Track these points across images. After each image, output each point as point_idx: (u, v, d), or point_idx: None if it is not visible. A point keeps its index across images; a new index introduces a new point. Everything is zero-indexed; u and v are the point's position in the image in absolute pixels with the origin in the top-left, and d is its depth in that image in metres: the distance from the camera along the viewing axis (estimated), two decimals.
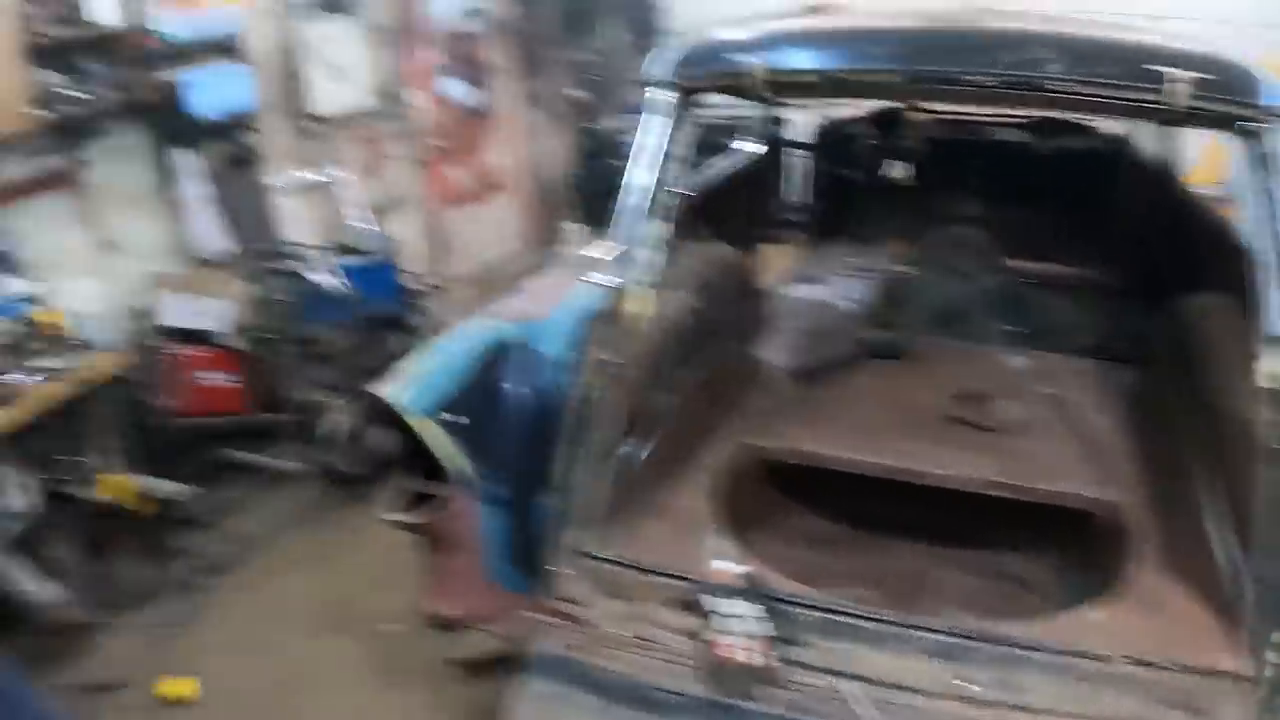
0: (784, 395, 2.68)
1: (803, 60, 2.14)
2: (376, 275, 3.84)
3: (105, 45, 3.52)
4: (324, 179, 4.18)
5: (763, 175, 3.72)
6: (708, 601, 1.75)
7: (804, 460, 2.33)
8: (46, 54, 3.31)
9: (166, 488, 3.23)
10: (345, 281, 3.68)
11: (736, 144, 3.60)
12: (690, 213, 2.49)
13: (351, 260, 3.81)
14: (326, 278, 3.65)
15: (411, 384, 2.13)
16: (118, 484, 3.08)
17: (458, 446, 2.11)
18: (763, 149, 3.64)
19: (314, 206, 4.39)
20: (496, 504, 2.18)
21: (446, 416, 2.11)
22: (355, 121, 4.82)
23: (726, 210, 3.04)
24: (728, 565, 1.79)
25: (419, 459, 2.12)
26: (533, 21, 6.05)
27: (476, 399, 2.18)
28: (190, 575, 3.18)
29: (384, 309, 3.83)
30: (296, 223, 4.29)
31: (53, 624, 2.86)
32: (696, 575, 1.80)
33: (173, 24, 3.64)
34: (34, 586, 2.78)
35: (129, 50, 3.55)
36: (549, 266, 3.37)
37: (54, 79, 3.34)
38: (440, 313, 3.95)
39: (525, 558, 2.16)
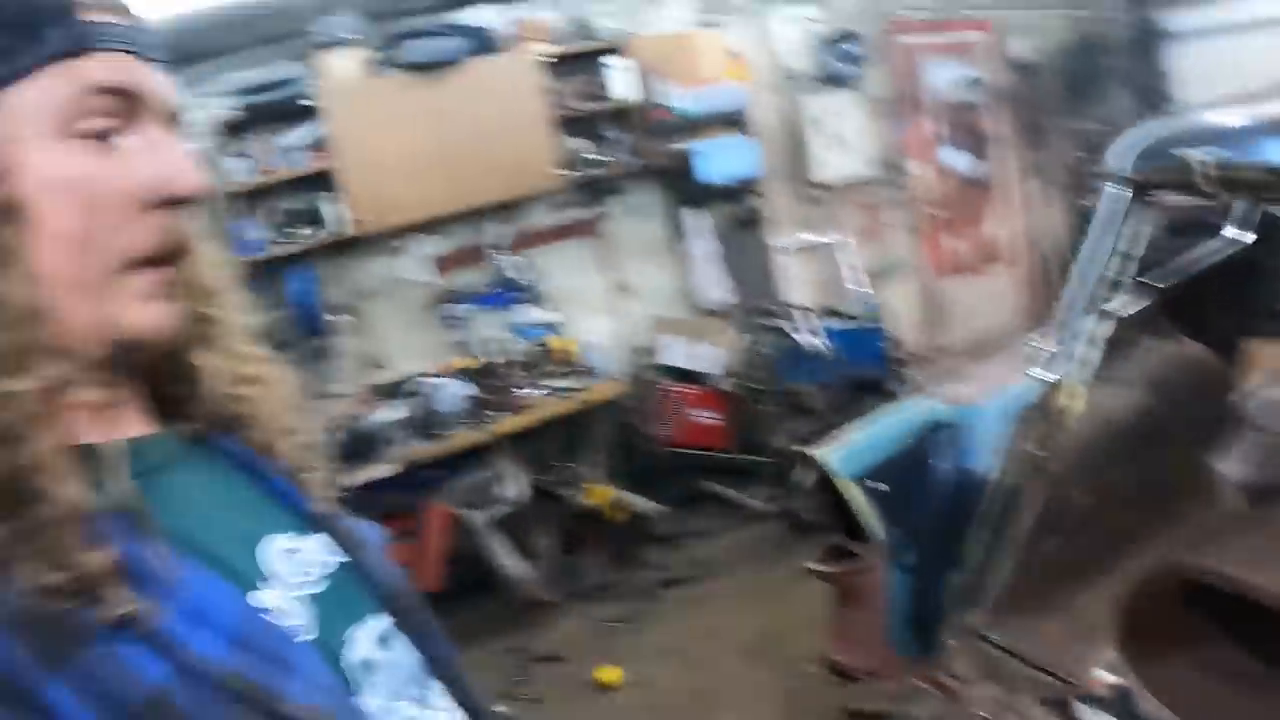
0: (1229, 512, 2.74)
1: (1258, 155, 2.26)
2: (863, 339, 4.58)
3: (624, 117, 4.90)
4: (822, 243, 5.13)
5: (1251, 264, 3.70)
6: (1078, 708, 2.06)
7: (1234, 588, 2.45)
8: (574, 124, 4.78)
9: (641, 504, 4.31)
10: (828, 343, 4.45)
11: (1224, 231, 3.67)
12: (1154, 306, 2.76)
13: (839, 323, 4.60)
14: (811, 338, 4.47)
15: (845, 448, 2.70)
16: (599, 492, 4.23)
17: (877, 511, 2.60)
18: (1251, 236, 3.64)
19: (811, 268, 5.35)
20: (905, 570, 2.63)
21: (869, 483, 2.64)
22: (855, 189, 5.68)
23: (1200, 303, 3.16)
24: (1109, 677, 2.08)
25: (845, 517, 2.67)
26: (1034, 91, 6.46)
27: (902, 470, 2.66)
28: (645, 583, 4.15)
29: (866, 372, 4.51)
30: (793, 283, 5.27)
31: (521, 598, 4.04)
32: (1075, 679, 2.11)
33: (683, 99, 4.80)
34: (512, 563, 4.02)
35: (644, 121, 4.85)
36: (1016, 347, 3.81)
37: (580, 145, 4.77)
38: (925, 381, 4.56)
39: (922, 625, 2.58)
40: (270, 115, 4.58)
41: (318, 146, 4.57)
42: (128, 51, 0.70)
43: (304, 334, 4.76)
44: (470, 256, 5.04)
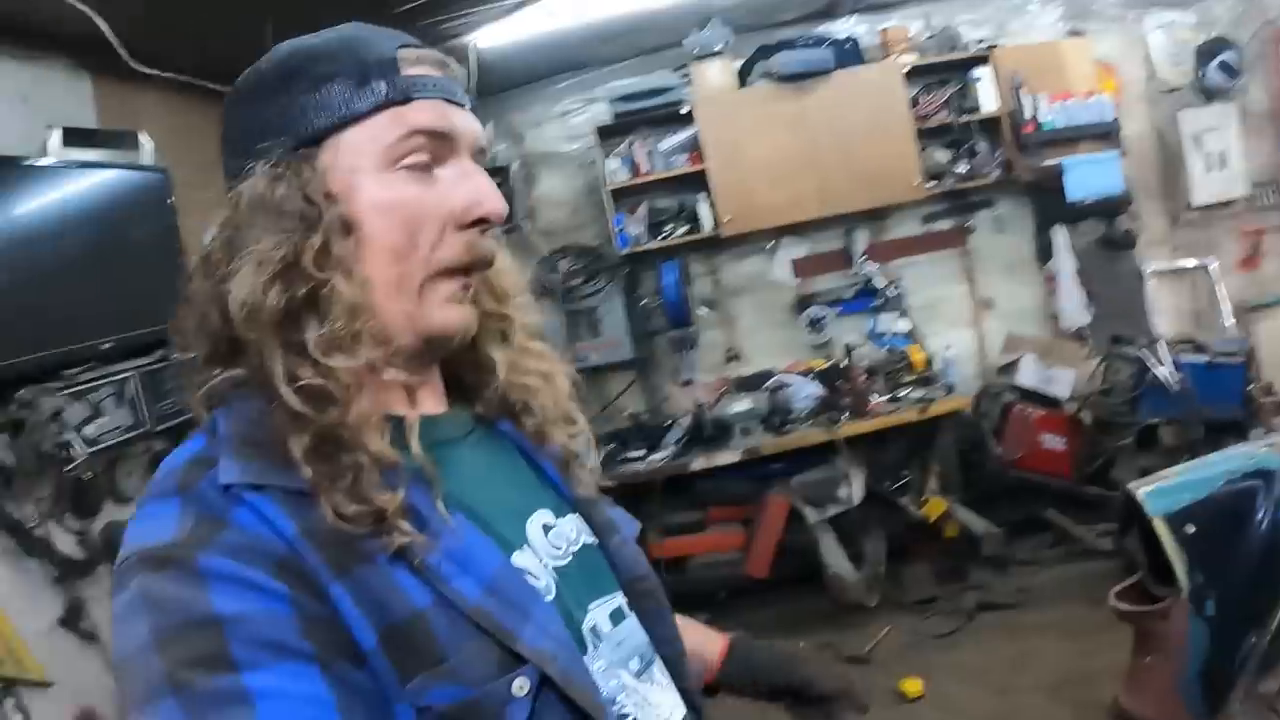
0: None
1: None
2: (1224, 376, 4.69)
3: (990, 129, 5.31)
4: (1194, 269, 5.25)
5: None
6: None
7: None
8: (940, 135, 5.32)
9: (975, 522, 4.81)
10: (1184, 377, 4.60)
11: None
12: None
13: (1201, 356, 4.74)
14: (1166, 371, 4.63)
15: (1160, 484, 3.07)
16: (934, 505, 4.78)
17: (1184, 554, 2.94)
18: None
19: (1179, 296, 5.48)
20: (1205, 621, 2.93)
21: (1180, 523, 2.95)
22: (1234, 211, 5.62)
23: None
24: None
25: (1156, 557, 3.01)
26: None
27: (1216, 515, 2.96)
28: (964, 602, 4.63)
29: (1222, 412, 4.63)
30: (1159, 310, 5.42)
31: (842, 598, 4.72)
32: None
33: (1051, 111, 5.10)
34: (839, 563, 4.72)
35: (1011, 134, 5.20)
36: None
37: (946, 156, 5.28)
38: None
39: (1215, 683, 2.89)
40: (647, 120, 5.64)
41: (691, 150, 5.56)
42: (443, 99, 0.97)
43: (671, 324, 5.85)
44: (833, 262, 5.82)
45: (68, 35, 3.11)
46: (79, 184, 3.41)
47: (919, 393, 5.03)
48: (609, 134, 5.76)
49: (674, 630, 1.11)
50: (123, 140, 3.74)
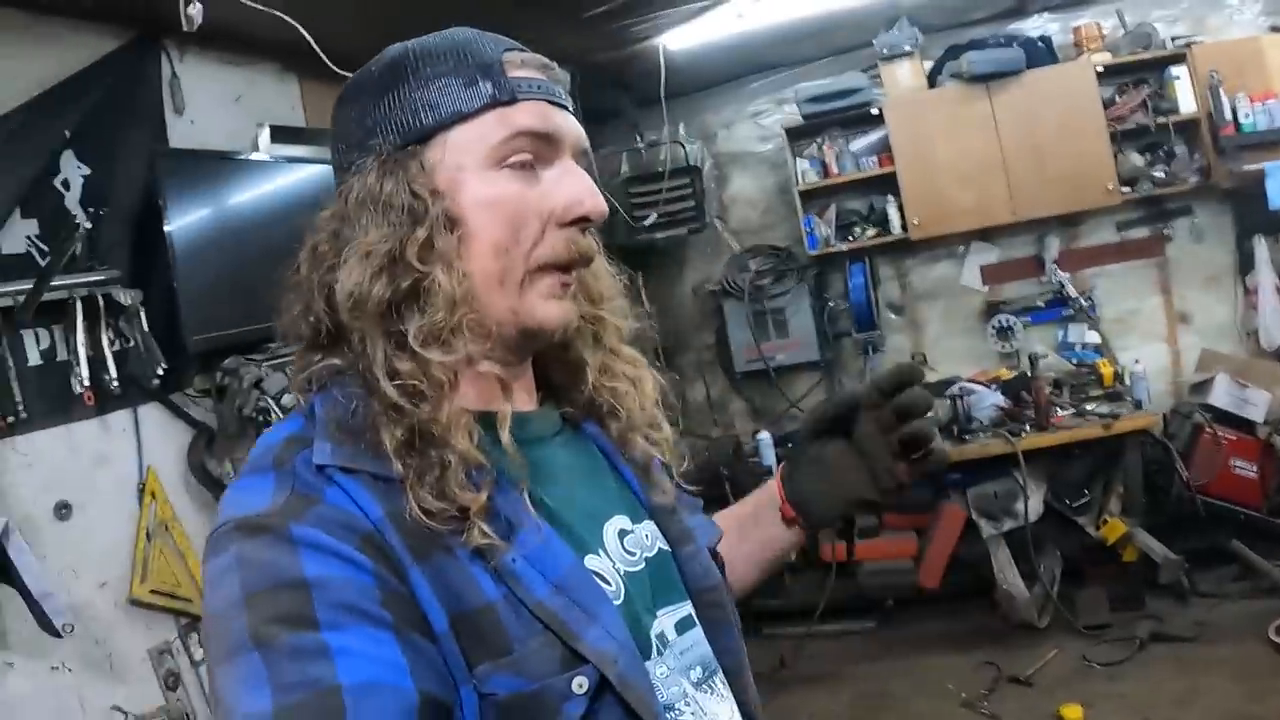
0: None
1: None
2: None
3: (1188, 131, 4.99)
4: None
5: None
6: None
7: None
8: (1135, 138, 5.03)
9: (1156, 547, 4.54)
10: None
11: None
12: None
13: None
14: None
15: None
16: (1114, 526, 4.55)
17: None
18: None
19: None
20: None
21: None
22: None
23: None
24: None
25: None
26: None
27: None
28: (1136, 629, 4.40)
29: None
30: None
31: (1011, 616, 4.57)
32: None
33: (1251, 112, 4.74)
34: (1011, 580, 4.59)
35: (1211, 137, 4.86)
36: None
37: (1139, 160, 4.97)
38: None
39: None
40: (837, 121, 5.62)
41: (881, 151, 5.51)
42: (546, 100, 1.00)
43: (858, 327, 5.82)
44: (1023, 269, 5.61)
45: (276, 42, 3.39)
46: (285, 177, 3.75)
47: (1105, 408, 4.80)
48: (799, 135, 5.79)
49: (738, 643, 1.11)
50: (327, 137, 4.06)
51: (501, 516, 0.92)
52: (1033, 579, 4.69)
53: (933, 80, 5.41)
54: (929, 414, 1.22)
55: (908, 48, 5.27)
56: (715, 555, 1.18)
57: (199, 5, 2.65)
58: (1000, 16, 5.50)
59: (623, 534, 1.04)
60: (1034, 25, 5.49)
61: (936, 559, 4.88)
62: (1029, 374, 5.02)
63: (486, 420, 0.96)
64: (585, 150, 1.06)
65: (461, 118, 0.98)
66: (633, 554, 1.03)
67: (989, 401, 4.99)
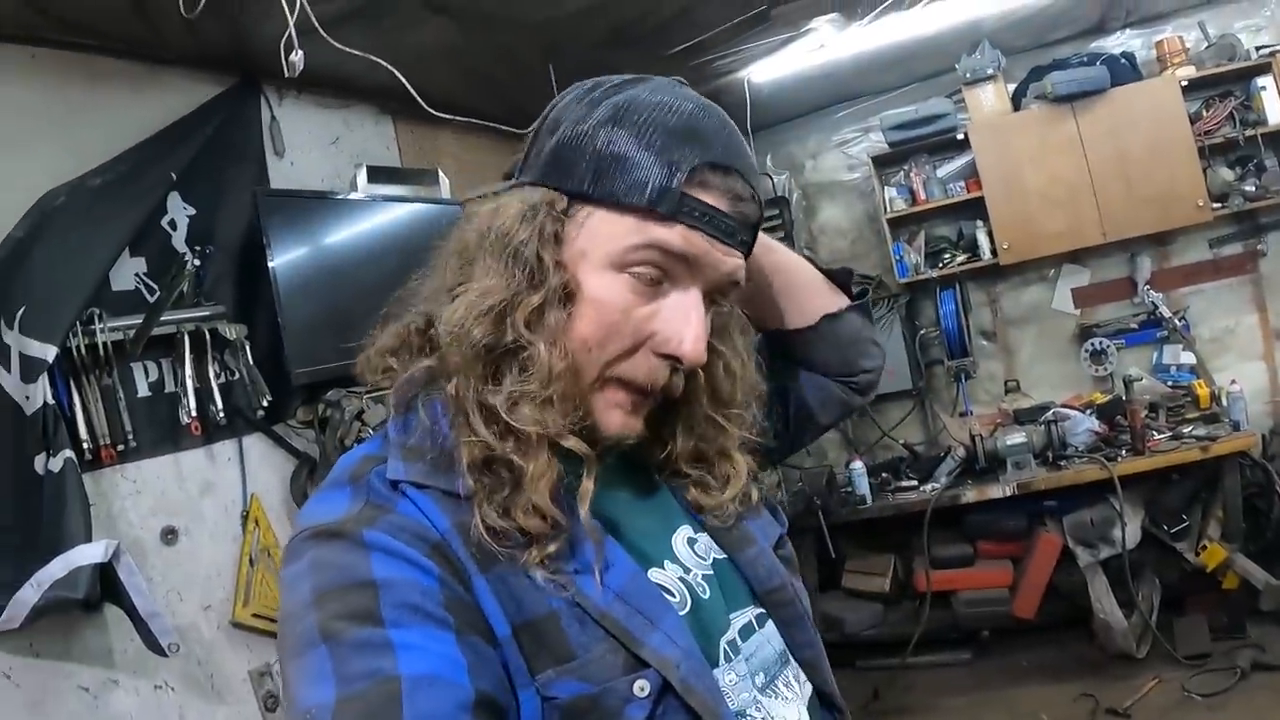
0: None
1: None
2: None
3: (1276, 143, 4.85)
4: None
5: None
6: None
7: None
8: (1224, 152, 4.92)
9: (1257, 574, 4.38)
10: None
11: None
12: None
13: None
14: None
15: None
16: (1214, 552, 4.41)
17: None
18: None
19: None
20: None
21: None
22: None
23: None
24: None
25: None
26: None
27: None
28: (1237, 659, 4.24)
29: None
30: None
31: (1108, 644, 4.45)
32: None
33: None
34: (1109, 609, 4.46)
35: None
36: None
37: (1229, 175, 4.84)
38: None
39: None
40: (923, 148, 5.59)
41: (969, 176, 5.45)
42: (706, 234, 0.95)
43: (950, 354, 5.76)
44: (1115, 290, 5.49)
45: (373, 85, 3.52)
46: (381, 216, 3.87)
47: (1203, 430, 4.65)
48: (886, 163, 5.78)
49: (811, 634, 1.11)
50: (423, 177, 4.19)
51: (571, 534, 0.94)
52: (1131, 608, 4.55)
53: (1017, 103, 5.35)
54: None
55: (990, 71, 5.23)
56: (782, 545, 1.18)
57: (300, 53, 2.76)
58: (1082, 35, 5.42)
59: (691, 541, 1.06)
60: (1116, 42, 5.39)
61: (1032, 588, 4.79)
62: (1123, 397, 4.90)
63: (561, 451, 0.96)
64: (736, 282, 1.02)
65: (614, 205, 0.95)
66: (704, 559, 1.05)
67: (1084, 427, 4.89)
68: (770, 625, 1.07)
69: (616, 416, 0.99)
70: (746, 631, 1.04)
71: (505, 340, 0.94)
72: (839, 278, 1.33)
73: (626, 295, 0.96)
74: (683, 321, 0.97)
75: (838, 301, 1.30)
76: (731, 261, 0.99)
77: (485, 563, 0.90)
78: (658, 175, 0.94)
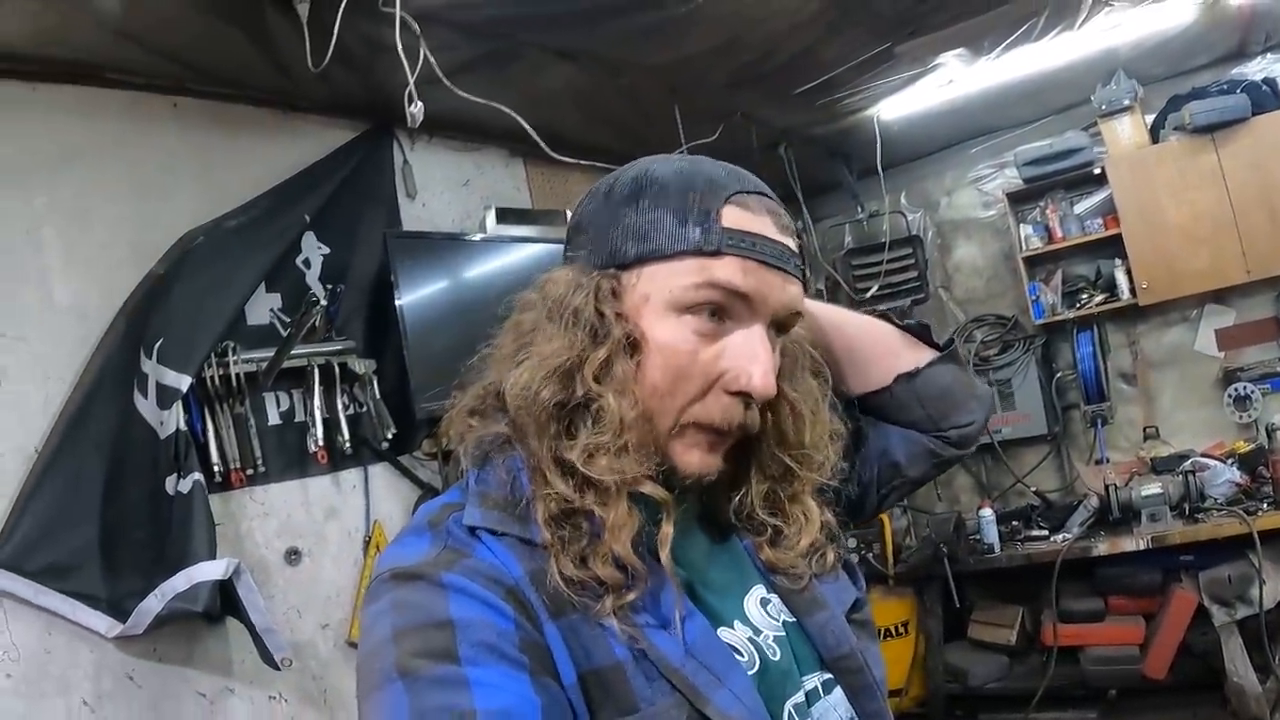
0: None
1: None
2: None
3: None
4: None
5: None
6: None
7: None
8: None
9: None
10: None
11: None
12: None
13: None
14: None
15: None
16: None
17: None
18: None
19: None
20: None
21: None
22: None
23: None
24: None
25: None
26: None
27: None
28: None
29: None
30: None
31: (1241, 709, 4.23)
32: None
33: None
34: (1244, 672, 4.23)
35: None
36: None
37: None
38: None
39: None
40: (1060, 183, 5.48)
41: (1107, 213, 5.31)
42: (757, 261, 0.98)
43: (1086, 398, 5.59)
44: (1261, 331, 5.22)
45: (503, 129, 3.67)
46: (510, 255, 4.01)
47: None
48: (1021, 199, 5.69)
49: (880, 704, 1.10)
50: (551, 217, 4.33)
51: (646, 585, 0.95)
52: (1266, 672, 4.30)
53: (1155, 134, 5.19)
54: None
55: (1127, 101, 5.07)
56: (857, 609, 1.16)
57: (420, 104, 2.92)
58: (1221, 61, 5.22)
59: (764, 602, 1.07)
60: (1257, 68, 5.16)
61: (1165, 647, 4.59)
62: (1266, 447, 4.65)
63: (641, 501, 0.98)
64: (794, 314, 1.05)
65: (662, 257, 0.99)
66: (776, 619, 1.06)
67: (1224, 478, 4.68)
68: (838, 691, 1.06)
69: (695, 456, 1.00)
70: (813, 697, 1.04)
71: (575, 396, 0.97)
72: (918, 332, 1.32)
73: (691, 337, 0.98)
74: (749, 357, 0.98)
75: (916, 358, 1.29)
76: (790, 288, 1.02)
77: (557, 610, 0.92)
78: (695, 219, 0.98)
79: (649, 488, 0.97)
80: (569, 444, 0.96)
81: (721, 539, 1.11)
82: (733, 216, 0.99)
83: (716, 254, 0.97)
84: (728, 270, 0.97)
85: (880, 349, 1.30)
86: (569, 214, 1.18)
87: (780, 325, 1.04)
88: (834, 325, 1.28)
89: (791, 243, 1.03)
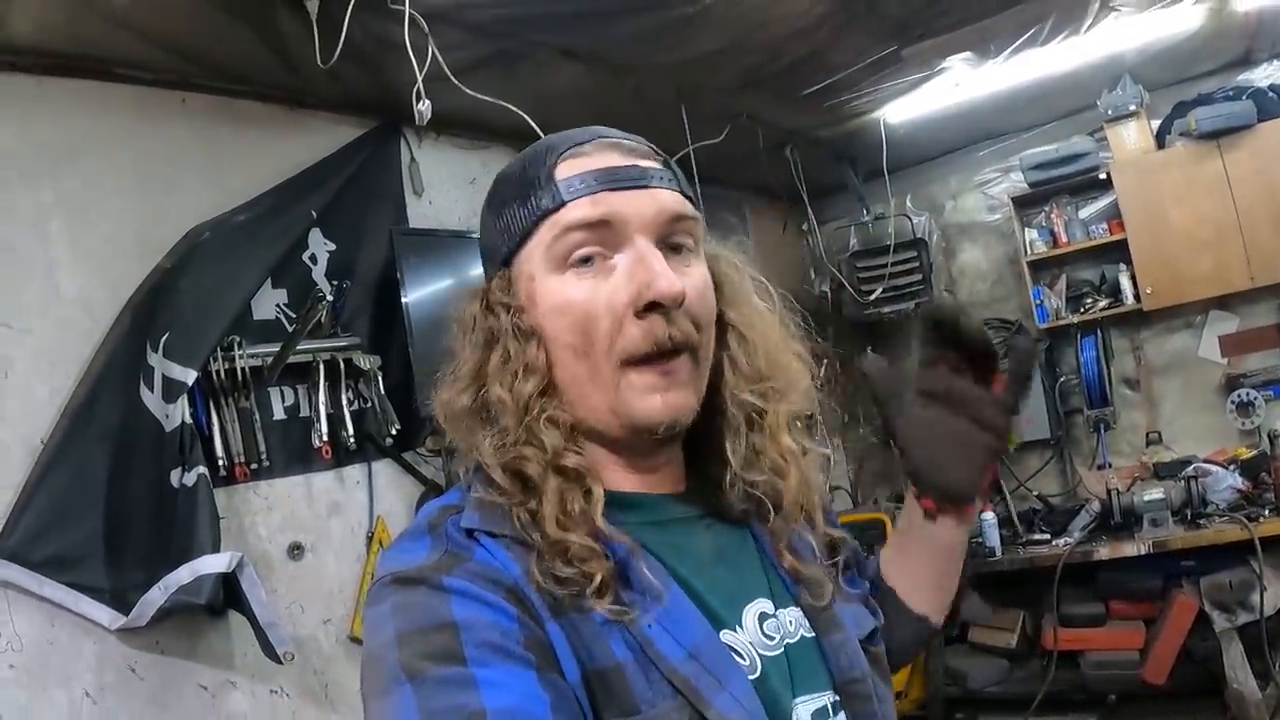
0: None
1: None
2: None
3: None
4: None
5: None
6: None
7: None
8: None
9: None
10: None
11: None
12: None
13: None
14: None
15: None
16: None
17: None
18: None
19: None
20: None
21: None
22: None
23: None
24: None
25: None
26: None
27: None
28: None
29: None
30: None
31: (1239, 715, 4.22)
32: None
33: None
34: (1244, 680, 4.19)
35: None
36: None
37: None
38: None
39: None
40: (1065, 188, 5.47)
41: (1111, 218, 5.31)
42: (601, 189, 0.99)
43: (1089, 403, 5.58)
44: (1264, 338, 5.22)
45: (509, 128, 3.66)
46: None
47: None
48: (1027, 203, 5.69)
49: None
50: None
51: (638, 584, 0.95)
52: (1267, 679, 4.29)
53: (1161, 140, 5.18)
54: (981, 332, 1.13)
55: (1132, 107, 5.07)
56: (873, 641, 1.16)
57: (427, 102, 2.92)
58: (1227, 67, 5.20)
59: (763, 618, 1.04)
60: (1264, 74, 5.14)
61: (1165, 653, 4.57)
62: (1269, 453, 4.65)
63: (621, 500, 1.01)
64: (676, 217, 1.03)
65: (525, 237, 1.02)
66: (771, 639, 1.03)
67: (1226, 484, 4.67)
68: (843, 718, 1.04)
69: (653, 402, 0.99)
70: (821, 715, 1.02)
71: (480, 399, 1.02)
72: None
73: (580, 284, 0.99)
74: (643, 269, 0.98)
75: (936, 617, 1.30)
76: (659, 196, 1.02)
77: (557, 609, 0.92)
78: (536, 190, 1.02)
79: (571, 460, 0.98)
80: (493, 446, 0.99)
81: (730, 541, 1.10)
82: (567, 168, 1.01)
83: (560, 206, 0.99)
84: (576, 211, 0.98)
85: (934, 590, 1.29)
86: None
87: (673, 242, 1.03)
88: (931, 547, 1.27)
89: (647, 163, 1.03)
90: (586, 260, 0.99)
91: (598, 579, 0.92)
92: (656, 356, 0.99)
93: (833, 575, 1.14)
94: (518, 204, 1.03)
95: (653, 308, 0.97)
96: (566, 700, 0.87)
